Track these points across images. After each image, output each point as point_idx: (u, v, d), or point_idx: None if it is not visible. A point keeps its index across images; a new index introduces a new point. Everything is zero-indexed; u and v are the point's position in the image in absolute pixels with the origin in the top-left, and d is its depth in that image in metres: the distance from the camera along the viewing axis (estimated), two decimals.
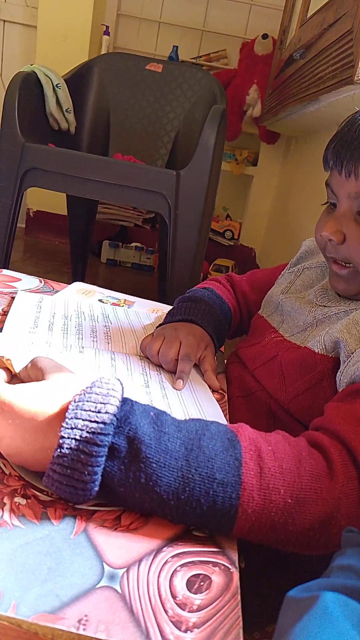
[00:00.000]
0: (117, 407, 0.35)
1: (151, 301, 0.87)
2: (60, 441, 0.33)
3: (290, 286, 0.70)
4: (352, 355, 0.49)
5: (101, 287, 0.88)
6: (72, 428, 0.34)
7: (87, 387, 0.36)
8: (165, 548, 0.34)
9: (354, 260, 0.55)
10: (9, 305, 0.70)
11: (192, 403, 0.54)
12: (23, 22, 2.40)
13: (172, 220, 1.25)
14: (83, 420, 0.34)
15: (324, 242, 0.57)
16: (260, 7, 2.37)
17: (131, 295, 0.87)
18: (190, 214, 1.25)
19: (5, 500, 0.35)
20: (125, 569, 0.32)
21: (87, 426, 0.34)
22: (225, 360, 0.72)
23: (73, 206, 1.85)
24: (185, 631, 0.29)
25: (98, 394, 0.36)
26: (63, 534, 0.33)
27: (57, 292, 0.81)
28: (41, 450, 0.35)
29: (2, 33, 2.45)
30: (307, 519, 0.36)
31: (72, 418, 0.34)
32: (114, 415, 0.35)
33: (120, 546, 0.33)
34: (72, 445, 0.33)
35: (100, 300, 0.81)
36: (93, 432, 0.33)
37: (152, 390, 0.54)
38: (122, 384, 0.38)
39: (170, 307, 0.74)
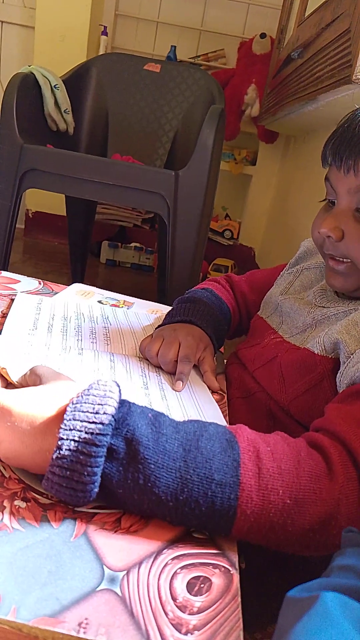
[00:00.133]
0: (115, 409, 0.36)
1: (150, 302, 0.87)
2: (59, 443, 0.33)
3: (289, 287, 0.70)
4: (351, 356, 0.49)
5: (100, 287, 0.88)
6: (70, 429, 0.34)
7: (84, 390, 0.37)
8: (165, 550, 0.34)
9: (352, 257, 0.54)
10: (9, 307, 0.70)
11: (192, 404, 0.54)
12: (21, 22, 2.40)
13: (171, 220, 1.25)
14: (81, 421, 0.34)
15: (321, 239, 0.57)
16: (258, 6, 2.37)
17: (130, 295, 0.87)
18: (189, 214, 1.25)
19: (5, 503, 0.35)
20: (125, 572, 0.32)
21: (86, 427, 0.34)
22: (225, 361, 0.72)
23: (72, 207, 1.85)
24: (186, 634, 0.29)
25: (96, 396, 0.36)
26: (63, 536, 0.33)
27: (56, 293, 0.81)
28: (40, 452, 0.35)
29: (0, 34, 2.45)
30: (306, 520, 0.36)
31: (70, 420, 0.34)
32: (112, 416, 0.35)
33: (120, 549, 0.33)
34: (71, 447, 0.33)
35: (99, 302, 0.81)
36: (91, 433, 0.34)
37: (151, 392, 0.54)
38: (119, 386, 0.38)
39: (170, 307, 0.74)
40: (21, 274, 0.86)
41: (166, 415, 0.39)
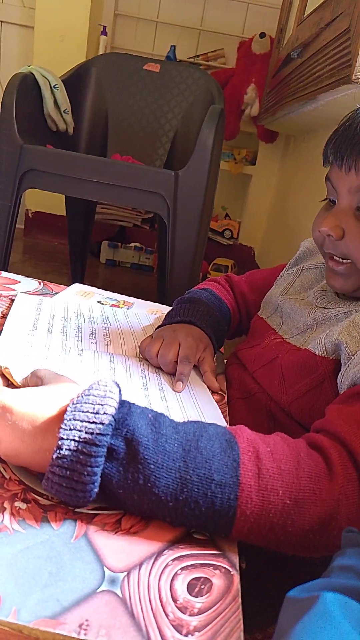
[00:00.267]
0: (115, 409, 0.36)
1: (150, 302, 0.87)
2: (59, 442, 0.34)
3: (289, 287, 0.70)
4: (353, 357, 0.49)
5: (100, 287, 0.88)
6: (70, 429, 0.34)
7: (84, 390, 0.37)
8: (165, 551, 0.34)
9: (353, 256, 0.54)
10: (9, 308, 0.70)
11: (191, 405, 0.54)
12: (20, 22, 2.40)
13: (171, 220, 1.25)
14: (81, 421, 0.34)
15: (322, 238, 0.57)
16: (257, 6, 2.37)
17: (130, 295, 0.87)
18: (189, 214, 1.25)
19: (6, 504, 0.35)
20: (125, 573, 0.32)
21: (86, 427, 0.34)
22: (225, 362, 0.72)
23: (72, 207, 1.85)
24: (187, 635, 0.29)
25: (96, 396, 0.36)
26: (63, 538, 0.33)
27: (56, 294, 0.81)
28: (40, 452, 0.35)
29: None
30: (306, 520, 0.36)
31: (70, 419, 0.34)
32: (112, 416, 0.35)
33: (120, 550, 0.33)
34: (71, 446, 0.33)
35: (99, 302, 0.81)
36: (92, 433, 0.34)
37: (150, 393, 0.54)
38: (119, 387, 0.38)
39: (170, 307, 0.74)
40: (21, 274, 0.86)
41: (166, 415, 0.39)
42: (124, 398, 0.38)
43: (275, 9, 2.19)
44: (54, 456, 0.33)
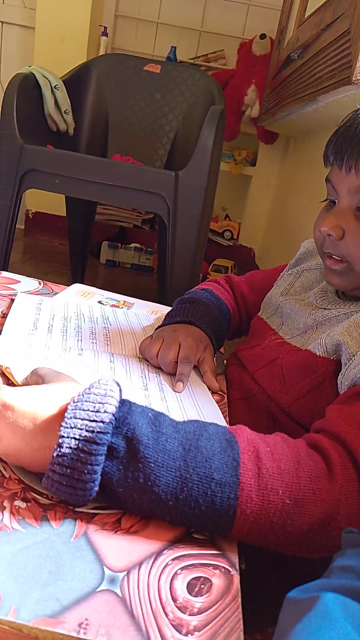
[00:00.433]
0: (116, 407, 0.36)
1: (150, 302, 0.87)
2: (60, 441, 0.34)
3: (289, 288, 0.70)
4: (353, 358, 0.49)
5: (100, 288, 0.88)
6: (71, 427, 0.34)
7: (85, 389, 0.37)
8: (165, 551, 0.34)
9: (352, 256, 0.55)
10: (9, 307, 0.70)
11: (191, 405, 0.54)
12: (21, 23, 2.40)
13: (171, 221, 1.25)
14: (82, 419, 0.34)
15: (322, 238, 0.57)
16: (258, 7, 2.37)
17: (130, 295, 0.87)
18: (189, 215, 1.25)
19: (5, 503, 0.35)
20: (125, 572, 0.32)
21: (87, 425, 0.34)
22: (225, 362, 0.72)
23: (72, 207, 1.85)
24: (186, 634, 0.29)
25: (97, 395, 0.36)
26: (63, 537, 0.33)
27: (56, 293, 0.81)
28: (40, 450, 0.35)
29: (0, 34, 2.45)
30: (306, 520, 0.36)
31: (71, 418, 0.34)
32: (113, 415, 0.35)
33: (120, 549, 0.33)
34: (72, 445, 0.33)
35: (99, 302, 0.81)
36: (92, 431, 0.34)
37: (150, 393, 0.54)
38: (119, 386, 0.38)
39: (170, 308, 0.74)
40: (21, 275, 0.86)
41: (166, 415, 0.39)
42: (124, 397, 0.38)
43: (276, 10, 2.19)
44: (55, 454, 0.33)
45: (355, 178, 0.53)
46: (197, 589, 0.32)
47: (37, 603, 0.28)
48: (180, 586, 0.32)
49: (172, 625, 0.29)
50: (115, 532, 0.35)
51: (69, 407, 0.35)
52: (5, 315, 0.66)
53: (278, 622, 0.26)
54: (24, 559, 0.31)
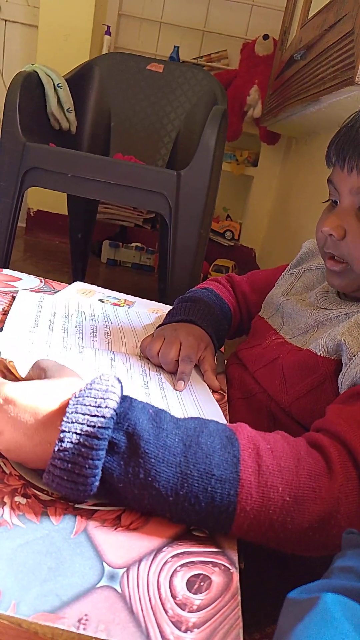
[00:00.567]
0: (117, 403, 0.36)
1: (151, 301, 0.87)
2: (61, 435, 0.34)
3: (291, 288, 0.70)
4: (354, 358, 0.49)
5: (101, 287, 0.88)
6: (72, 422, 0.34)
7: (87, 384, 0.37)
8: (165, 548, 0.34)
9: (352, 256, 0.55)
10: (10, 304, 0.70)
11: (192, 403, 0.54)
12: (24, 21, 2.40)
13: (173, 220, 1.25)
14: (83, 414, 0.34)
15: (324, 238, 0.57)
16: (261, 7, 2.37)
17: (131, 295, 0.87)
18: (191, 214, 1.25)
19: (6, 499, 0.35)
20: (125, 569, 0.32)
21: (88, 420, 0.34)
22: (225, 361, 0.72)
23: (73, 206, 1.85)
24: (185, 631, 0.29)
25: (98, 390, 0.36)
26: (63, 533, 0.33)
27: (57, 291, 0.81)
28: (41, 444, 0.35)
29: (3, 33, 2.45)
30: (305, 518, 0.36)
31: (72, 412, 0.34)
32: (114, 410, 0.35)
33: (120, 546, 0.33)
34: (73, 439, 0.33)
35: (100, 300, 0.81)
36: (94, 426, 0.34)
37: (151, 391, 0.54)
38: (121, 382, 0.38)
39: (171, 307, 0.74)
40: (22, 273, 0.86)
41: (166, 411, 0.39)
42: (125, 394, 0.38)
43: (279, 11, 2.19)
44: (56, 449, 0.34)
45: (357, 179, 0.53)
46: (196, 586, 0.32)
47: (36, 598, 0.28)
48: (180, 583, 0.32)
49: (172, 622, 0.29)
50: (115, 529, 0.35)
51: (71, 402, 0.35)
52: (6, 313, 0.66)
53: (278, 623, 0.26)
54: (24, 554, 0.31)
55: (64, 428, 0.34)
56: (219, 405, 0.55)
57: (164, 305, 0.85)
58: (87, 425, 0.34)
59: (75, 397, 0.36)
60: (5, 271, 0.84)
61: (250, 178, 2.57)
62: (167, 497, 0.35)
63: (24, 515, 0.34)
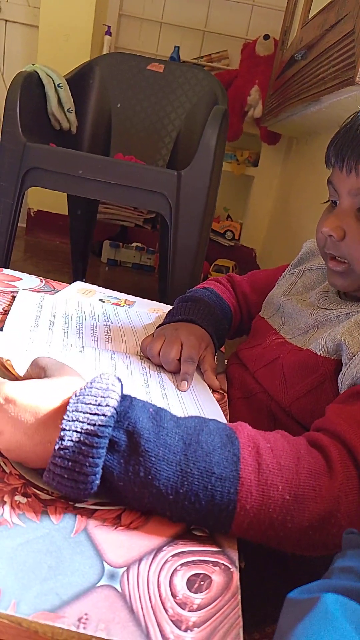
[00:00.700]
0: (117, 401, 0.36)
1: (152, 301, 0.87)
2: (62, 434, 0.34)
3: (291, 288, 0.70)
4: (354, 358, 0.49)
5: (102, 287, 0.88)
6: (73, 421, 0.34)
7: (87, 383, 0.37)
8: (165, 547, 0.34)
9: (352, 257, 0.55)
10: (10, 304, 0.70)
11: (192, 403, 0.54)
12: (25, 21, 2.40)
13: (173, 220, 1.25)
14: (84, 413, 0.34)
15: (324, 239, 0.57)
16: (261, 7, 2.37)
17: (132, 295, 0.87)
18: (191, 214, 1.25)
19: (6, 498, 0.35)
20: (125, 568, 0.32)
21: (88, 419, 0.34)
22: (226, 361, 0.72)
23: (74, 206, 1.85)
24: (186, 630, 0.29)
25: (98, 389, 0.36)
26: (63, 532, 0.33)
27: (57, 291, 0.81)
28: (41, 443, 0.35)
29: (4, 33, 2.45)
30: (305, 517, 0.36)
31: (73, 411, 0.34)
32: (114, 408, 0.35)
33: (120, 545, 0.33)
34: (74, 438, 0.33)
35: (101, 300, 0.81)
36: (94, 424, 0.34)
37: (151, 390, 0.54)
38: (121, 381, 0.38)
39: (171, 307, 0.74)
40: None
41: (167, 410, 0.39)
42: (125, 393, 0.38)
43: (280, 11, 2.19)
44: (56, 447, 0.34)
45: (356, 180, 0.53)
46: (196, 585, 0.32)
47: (36, 597, 0.28)
48: (180, 582, 0.32)
49: (172, 621, 0.29)
50: (116, 528, 0.35)
51: (71, 400, 0.35)
52: (6, 312, 0.66)
53: (278, 623, 0.26)
54: (24, 553, 0.31)
55: (64, 426, 0.34)
56: (219, 404, 0.55)
57: (164, 305, 0.85)
58: (88, 424, 0.34)
59: (75, 396, 0.36)
60: (6, 271, 0.84)
61: (251, 178, 2.57)
62: (167, 496, 0.35)
63: (24, 514, 0.34)
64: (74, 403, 0.35)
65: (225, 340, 0.75)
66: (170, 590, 0.31)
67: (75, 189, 1.28)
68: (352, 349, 0.50)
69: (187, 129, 1.66)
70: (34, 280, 0.83)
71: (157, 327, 0.67)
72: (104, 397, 0.35)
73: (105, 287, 0.88)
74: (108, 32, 2.31)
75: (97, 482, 0.34)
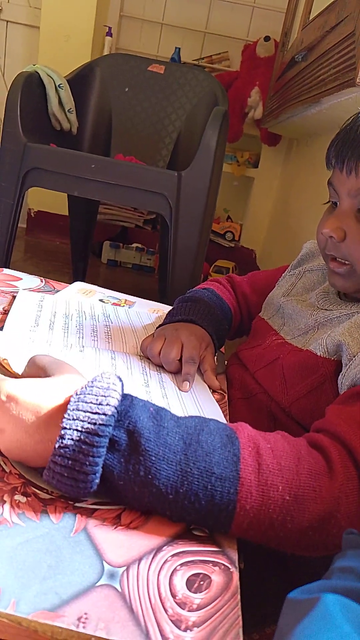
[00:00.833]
0: (118, 401, 0.36)
1: (152, 301, 0.87)
2: (62, 432, 0.34)
3: (291, 289, 0.70)
4: (354, 358, 0.49)
5: (102, 287, 0.88)
6: (73, 419, 0.34)
7: (88, 382, 0.37)
8: (165, 547, 0.34)
9: (353, 257, 0.55)
10: (10, 304, 0.70)
11: (192, 402, 0.54)
12: (26, 22, 2.40)
13: (173, 221, 1.25)
14: (84, 412, 0.34)
15: (324, 240, 0.58)
16: (262, 9, 2.38)
17: (131, 295, 0.87)
18: (191, 215, 1.25)
19: (6, 497, 0.35)
20: (125, 568, 0.32)
21: (89, 417, 0.34)
22: (226, 362, 0.72)
23: (74, 206, 1.85)
24: (185, 630, 0.29)
25: (99, 388, 0.36)
26: (63, 532, 0.33)
27: (58, 291, 0.81)
28: (42, 442, 0.35)
29: (5, 33, 2.45)
30: (305, 517, 0.36)
31: (73, 410, 0.34)
32: (115, 408, 0.35)
33: (120, 545, 0.33)
34: (74, 436, 0.33)
35: (101, 300, 0.81)
36: (94, 423, 0.34)
37: (151, 390, 0.54)
38: (121, 380, 0.38)
39: (171, 307, 0.74)
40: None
41: (167, 409, 0.39)
42: (126, 392, 0.38)
43: (280, 13, 2.19)
44: (56, 445, 0.34)
45: (356, 181, 0.53)
46: (196, 585, 0.32)
47: (36, 596, 0.28)
48: (180, 582, 0.32)
49: (171, 620, 0.29)
50: (115, 528, 0.35)
51: (72, 399, 0.35)
52: (6, 312, 0.66)
53: (278, 623, 0.26)
54: (24, 552, 0.31)
55: (64, 425, 0.34)
56: (219, 405, 0.55)
57: (164, 305, 0.85)
58: (88, 423, 0.34)
59: (76, 395, 0.36)
60: (6, 271, 0.84)
61: (251, 179, 2.57)
62: (167, 495, 0.35)
63: (23, 513, 0.34)
64: (75, 402, 0.35)
65: (225, 340, 0.75)
66: (170, 590, 0.31)
67: (76, 189, 1.28)
68: (352, 349, 0.50)
69: (188, 129, 1.67)
70: (34, 280, 0.83)
71: (157, 328, 0.67)
72: (104, 396, 0.35)
73: (105, 288, 0.88)
74: (109, 33, 2.32)
75: (97, 481, 0.34)
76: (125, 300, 0.84)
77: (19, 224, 1.34)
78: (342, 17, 1.04)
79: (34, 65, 1.42)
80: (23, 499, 0.35)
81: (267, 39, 2.19)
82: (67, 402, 0.36)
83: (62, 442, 0.33)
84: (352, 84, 0.92)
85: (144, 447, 0.35)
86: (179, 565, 0.33)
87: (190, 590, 0.31)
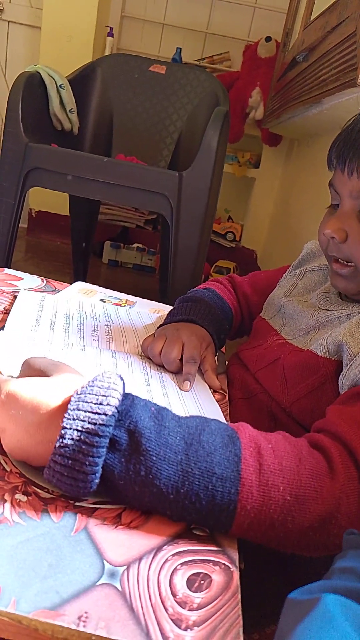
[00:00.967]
0: (119, 400, 0.36)
1: (152, 301, 0.87)
2: (62, 432, 0.34)
3: (292, 289, 0.70)
4: (354, 358, 0.49)
5: (102, 287, 0.88)
6: (74, 419, 0.34)
7: (89, 381, 0.37)
8: (165, 546, 0.34)
9: (355, 258, 0.55)
10: (11, 303, 0.70)
11: (193, 402, 0.54)
12: (27, 22, 2.41)
13: (174, 221, 1.25)
14: (85, 411, 0.34)
15: (326, 241, 0.58)
16: (263, 9, 2.38)
17: (132, 295, 0.87)
18: (192, 216, 1.25)
19: (6, 496, 0.35)
20: (125, 567, 0.32)
21: (89, 417, 0.34)
22: (227, 362, 0.72)
23: (75, 206, 1.85)
24: (185, 629, 0.29)
25: (100, 387, 0.36)
26: (63, 531, 0.33)
27: (59, 291, 0.81)
28: (42, 442, 0.35)
29: (6, 34, 2.45)
30: (306, 518, 0.36)
31: (74, 409, 0.34)
32: (116, 407, 0.35)
33: (120, 544, 0.33)
34: (74, 436, 0.33)
35: (101, 300, 0.81)
36: (95, 423, 0.34)
37: (152, 389, 0.54)
38: (123, 380, 0.38)
39: (172, 307, 0.74)
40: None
41: (168, 409, 0.39)
42: (127, 391, 0.38)
43: (282, 13, 2.19)
44: (57, 445, 0.34)
45: (357, 182, 0.53)
46: (196, 584, 0.32)
47: (37, 595, 0.28)
48: (180, 581, 0.32)
49: (172, 619, 0.29)
50: (116, 527, 0.35)
51: (72, 399, 0.35)
52: (7, 312, 0.66)
53: (279, 623, 0.26)
54: (25, 551, 0.31)
55: (65, 424, 0.34)
56: (220, 405, 0.55)
57: (165, 305, 0.85)
58: (88, 423, 0.34)
59: (77, 394, 0.36)
60: (7, 270, 0.84)
61: (252, 179, 2.57)
62: (168, 495, 0.35)
63: (24, 512, 0.34)
64: (75, 401, 0.35)
65: (226, 340, 0.76)
66: (170, 589, 0.31)
67: (77, 189, 1.28)
68: (352, 349, 0.50)
69: (189, 130, 1.67)
70: (35, 280, 0.83)
71: (158, 327, 0.67)
72: (105, 396, 0.35)
73: (106, 288, 0.88)
74: (110, 34, 2.32)
75: (97, 480, 0.34)
76: (126, 300, 0.84)
77: (20, 224, 1.34)
78: (344, 17, 1.04)
79: (36, 65, 1.42)
80: (24, 498, 0.35)
81: (268, 39, 2.19)
82: (67, 402, 0.36)
83: (62, 442, 0.34)
84: (353, 85, 0.92)
85: (145, 447, 0.35)
86: (180, 564, 0.33)
87: (190, 590, 0.31)
